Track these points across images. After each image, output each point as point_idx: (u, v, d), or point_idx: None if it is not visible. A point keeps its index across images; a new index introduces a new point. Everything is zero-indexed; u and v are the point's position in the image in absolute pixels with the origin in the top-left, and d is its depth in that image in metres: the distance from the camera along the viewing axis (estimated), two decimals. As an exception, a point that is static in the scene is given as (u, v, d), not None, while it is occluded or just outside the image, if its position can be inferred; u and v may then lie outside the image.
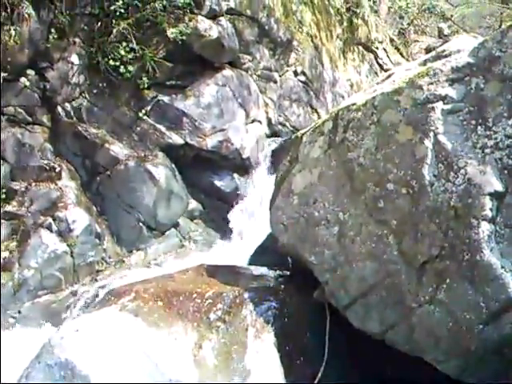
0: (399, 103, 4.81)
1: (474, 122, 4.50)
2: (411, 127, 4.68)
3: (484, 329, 4.12)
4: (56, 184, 7.70)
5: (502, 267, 4.08)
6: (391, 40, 15.20)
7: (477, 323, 4.13)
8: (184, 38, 8.19)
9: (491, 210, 4.21)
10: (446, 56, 4.98)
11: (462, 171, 4.36)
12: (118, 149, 8.10)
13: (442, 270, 4.32)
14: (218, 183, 8.66)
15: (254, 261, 6.91)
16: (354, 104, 5.24)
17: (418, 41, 17.46)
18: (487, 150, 4.37)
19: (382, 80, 5.76)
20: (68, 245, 7.27)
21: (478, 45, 4.73)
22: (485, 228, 4.18)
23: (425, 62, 5.24)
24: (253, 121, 9.17)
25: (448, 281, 4.27)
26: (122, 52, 7.99)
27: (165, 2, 8.16)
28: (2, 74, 7.30)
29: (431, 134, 4.55)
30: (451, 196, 4.35)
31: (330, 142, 5.31)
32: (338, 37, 12.09)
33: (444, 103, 4.61)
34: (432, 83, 4.72)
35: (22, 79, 7.72)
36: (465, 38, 5.60)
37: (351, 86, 12.05)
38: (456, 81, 4.66)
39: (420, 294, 4.42)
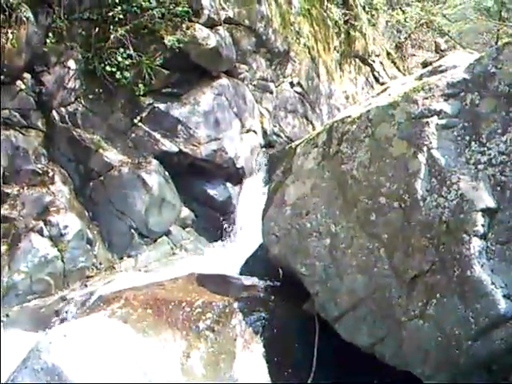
0: (394, 117, 4.83)
1: (468, 137, 4.52)
2: (405, 141, 4.69)
3: (473, 344, 4.12)
4: (49, 188, 7.65)
5: (493, 283, 4.09)
6: (388, 53, 15.22)
7: (466, 339, 4.14)
8: (181, 45, 8.17)
9: (483, 226, 4.23)
10: (441, 71, 5.00)
11: (455, 186, 4.37)
12: (111, 155, 8.06)
13: (432, 285, 4.33)
14: (211, 192, 8.63)
15: (244, 270, 6.90)
16: (348, 117, 5.25)
17: (414, 55, 17.50)
18: (480, 166, 4.39)
19: (377, 93, 5.79)
20: (59, 250, 7.22)
21: (473, 61, 4.76)
22: (476, 244, 4.19)
23: (421, 77, 5.26)
24: (248, 130, 9.15)
25: (438, 296, 4.28)
26: (119, 58, 7.96)
27: (163, 10, 8.14)
28: (-2, 77, 7.29)
29: (425, 148, 4.57)
30: (443, 211, 4.37)
31: (323, 153, 5.32)
32: (335, 49, 12.09)
33: (438, 118, 4.63)
34: (427, 98, 4.74)
35: (18, 82, 7.68)
36: (461, 54, 5.63)
37: (347, 98, 12.05)
38: (451, 96, 4.69)
39: (410, 308, 4.42)
